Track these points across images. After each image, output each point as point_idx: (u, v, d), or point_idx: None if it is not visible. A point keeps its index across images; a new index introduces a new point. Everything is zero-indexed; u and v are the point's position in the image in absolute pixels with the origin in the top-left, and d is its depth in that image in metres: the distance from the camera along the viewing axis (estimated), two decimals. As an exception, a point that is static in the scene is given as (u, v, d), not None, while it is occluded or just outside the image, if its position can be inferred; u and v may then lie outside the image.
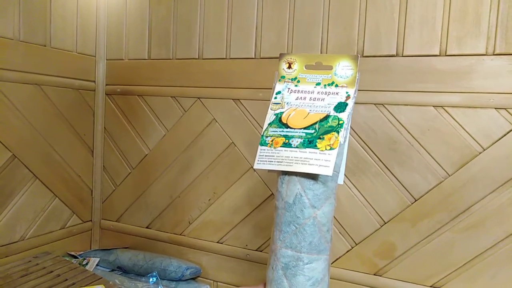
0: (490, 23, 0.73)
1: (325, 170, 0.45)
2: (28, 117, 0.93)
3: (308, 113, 0.50)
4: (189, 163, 1.02)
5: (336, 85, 0.51)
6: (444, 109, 0.76)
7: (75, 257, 1.05)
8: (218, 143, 0.98)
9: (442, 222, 0.78)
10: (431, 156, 0.78)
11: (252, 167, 0.94)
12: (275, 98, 0.54)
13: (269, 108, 0.53)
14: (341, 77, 0.52)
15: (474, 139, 0.75)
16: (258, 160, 0.49)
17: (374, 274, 0.84)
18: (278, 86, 0.55)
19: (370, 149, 0.83)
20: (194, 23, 0.99)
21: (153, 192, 1.07)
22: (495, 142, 0.73)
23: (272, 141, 0.50)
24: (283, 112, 0.52)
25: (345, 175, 0.78)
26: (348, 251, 0.86)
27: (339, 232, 0.86)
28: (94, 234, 1.15)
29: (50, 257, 0.93)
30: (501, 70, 0.72)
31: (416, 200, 0.80)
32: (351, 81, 0.51)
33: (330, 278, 0.50)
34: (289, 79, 0.54)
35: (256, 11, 0.92)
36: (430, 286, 0.79)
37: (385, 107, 0.81)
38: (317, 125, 0.49)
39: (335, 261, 0.87)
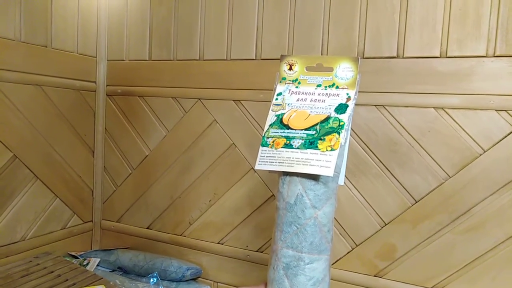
0: (491, 25, 0.73)
1: (326, 171, 0.45)
2: (29, 117, 0.94)
3: (309, 114, 0.51)
4: (190, 164, 1.02)
5: (337, 87, 0.52)
6: (445, 110, 0.77)
7: (75, 257, 1.06)
8: (218, 144, 0.98)
9: (443, 223, 0.78)
10: (431, 157, 0.78)
11: (252, 168, 0.94)
12: (276, 99, 0.54)
13: (270, 109, 0.53)
14: (341, 78, 0.52)
15: (475, 141, 0.75)
16: (260, 161, 0.49)
17: (375, 276, 0.84)
18: (279, 88, 0.55)
19: (371, 151, 0.83)
20: (195, 24, 1.00)
21: (153, 193, 1.07)
22: (495, 144, 0.73)
23: (273, 142, 0.50)
24: (284, 113, 0.52)
25: (345, 176, 0.78)
26: (348, 252, 0.86)
27: (340, 233, 0.86)
28: (94, 234, 1.16)
29: (50, 258, 0.93)
30: (501, 72, 0.72)
31: (416, 202, 0.80)
32: (351, 82, 0.51)
33: (331, 279, 0.50)
34: (290, 80, 0.55)
35: (257, 12, 0.92)
36: (430, 288, 0.80)
37: (386, 109, 0.81)
38: (318, 127, 0.49)
39: (335, 262, 0.87)
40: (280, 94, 0.54)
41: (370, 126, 0.83)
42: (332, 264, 0.86)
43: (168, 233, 1.06)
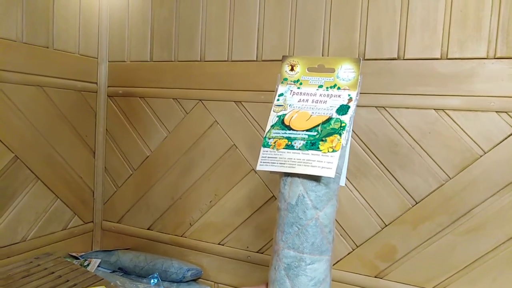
0: (491, 27, 0.73)
1: (327, 172, 0.45)
2: (30, 118, 0.94)
3: (311, 115, 0.51)
4: (191, 165, 1.02)
5: (338, 88, 0.52)
6: (445, 112, 0.77)
7: (76, 258, 1.06)
8: (219, 145, 0.98)
9: (443, 225, 0.78)
10: (432, 159, 0.78)
11: (253, 169, 0.94)
12: (278, 100, 0.54)
13: (272, 110, 0.53)
14: (343, 79, 0.52)
15: (475, 142, 0.75)
16: (261, 162, 0.50)
17: (375, 277, 0.84)
18: (281, 88, 0.55)
19: (372, 152, 0.83)
20: (196, 25, 1.00)
21: (154, 194, 1.08)
22: (496, 146, 0.73)
23: (274, 143, 0.50)
24: (285, 114, 0.52)
25: (346, 177, 0.78)
26: (349, 253, 0.86)
27: (340, 234, 0.86)
28: (95, 235, 1.16)
29: (51, 258, 0.94)
30: (502, 74, 0.72)
31: (417, 203, 0.80)
32: (353, 83, 0.51)
33: (331, 280, 0.51)
34: (291, 81, 0.55)
35: (258, 13, 0.93)
36: (431, 289, 0.80)
37: (387, 110, 0.81)
38: (319, 127, 0.49)
39: (336, 263, 0.87)
40: (281, 94, 0.54)
41: (371, 127, 0.83)
42: (333, 265, 0.86)
43: (169, 234, 1.06)
